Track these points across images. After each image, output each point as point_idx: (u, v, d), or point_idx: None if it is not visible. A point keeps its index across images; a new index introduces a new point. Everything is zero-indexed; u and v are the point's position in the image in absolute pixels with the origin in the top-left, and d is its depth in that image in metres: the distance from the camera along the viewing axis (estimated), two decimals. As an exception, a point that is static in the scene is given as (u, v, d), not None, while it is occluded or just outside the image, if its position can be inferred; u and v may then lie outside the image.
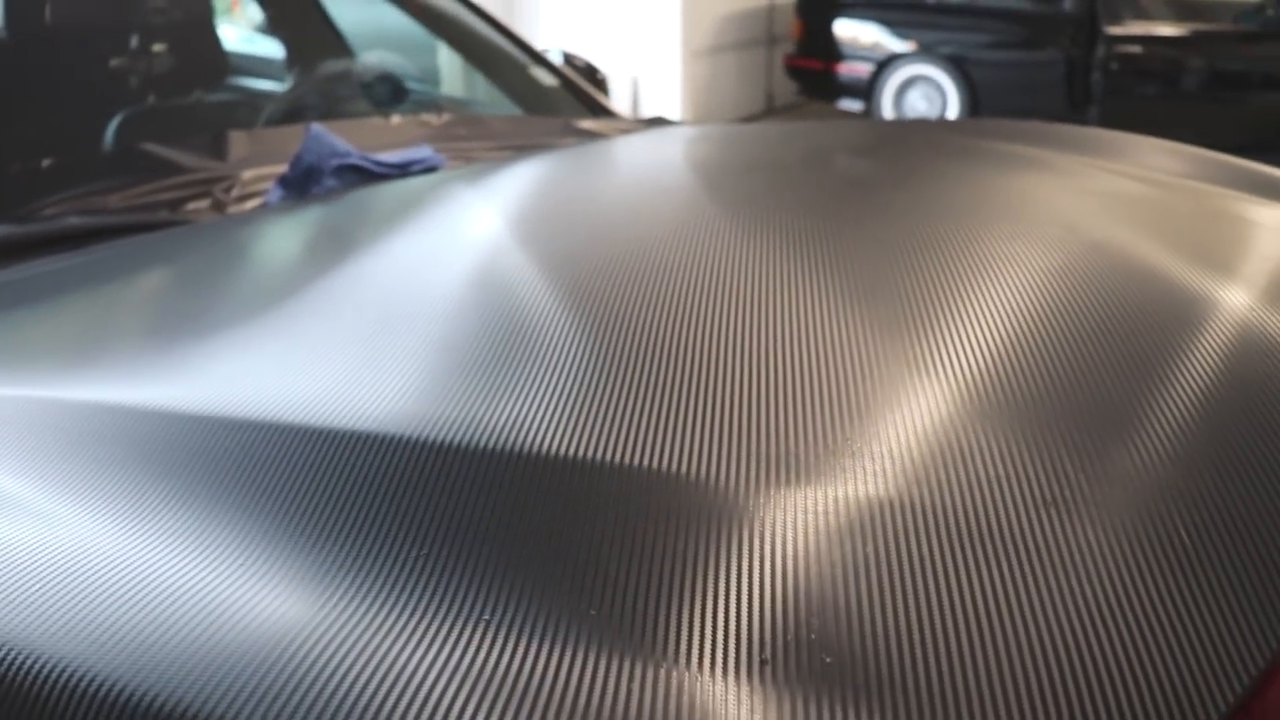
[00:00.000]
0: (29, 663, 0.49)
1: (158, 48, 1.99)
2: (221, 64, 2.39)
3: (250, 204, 1.43)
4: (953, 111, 7.03)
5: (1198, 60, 6.34)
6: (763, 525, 0.56)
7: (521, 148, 1.71)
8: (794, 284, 0.90)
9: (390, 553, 0.54)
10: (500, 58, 2.10)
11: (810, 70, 7.61)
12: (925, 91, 7.13)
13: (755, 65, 8.47)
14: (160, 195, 1.39)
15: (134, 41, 1.97)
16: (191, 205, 1.39)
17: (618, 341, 0.78)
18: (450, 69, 2.58)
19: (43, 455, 0.70)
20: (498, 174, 1.49)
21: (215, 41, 2.38)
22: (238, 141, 1.55)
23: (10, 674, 0.49)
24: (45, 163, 1.49)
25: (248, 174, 1.47)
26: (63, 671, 0.48)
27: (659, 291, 0.87)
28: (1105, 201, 1.23)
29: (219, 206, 1.41)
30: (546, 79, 2.07)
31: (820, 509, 0.57)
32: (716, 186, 1.35)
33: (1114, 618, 0.51)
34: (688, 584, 0.51)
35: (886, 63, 7.21)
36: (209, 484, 0.63)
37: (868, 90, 7.30)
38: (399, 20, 2.27)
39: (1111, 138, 1.62)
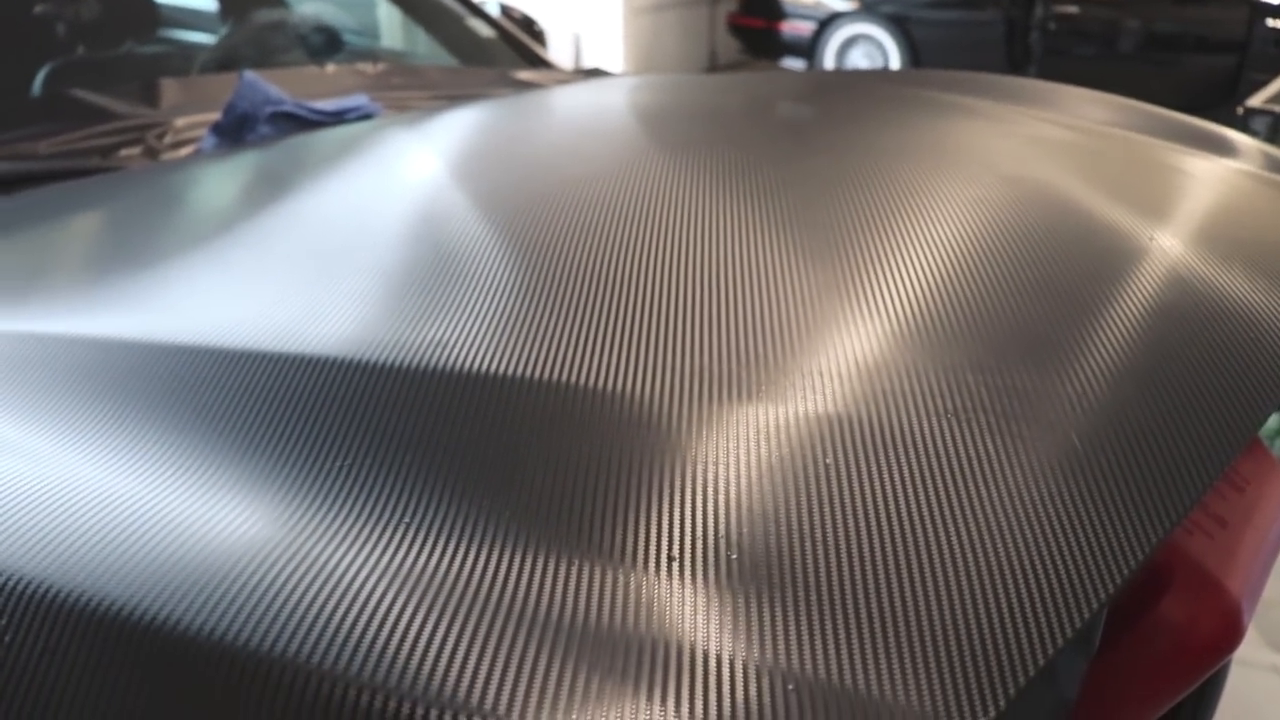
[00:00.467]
0: None
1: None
2: (152, 14, 2.35)
3: (183, 151, 1.42)
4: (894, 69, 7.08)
5: (1133, 22, 6.44)
6: (681, 434, 0.58)
7: (458, 97, 1.71)
8: (725, 215, 0.92)
9: (322, 466, 0.56)
10: (436, 9, 2.09)
11: (753, 28, 7.61)
12: (867, 50, 7.17)
13: (698, 22, 8.45)
14: (92, 142, 1.38)
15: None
16: (124, 152, 1.39)
17: (548, 267, 0.80)
18: (388, 21, 2.56)
19: None
20: (433, 120, 1.49)
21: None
22: (170, 89, 1.53)
23: None
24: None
25: (180, 121, 1.46)
26: (28, 588, 0.50)
27: (590, 222, 0.89)
28: (1035, 145, 1.27)
29: (152, 153, 1.40)
30: (483, 30, 2.07)
31: (737, 420, 0.60)
32: (652, 130, 1.37)
33: (1011, 519, 0.54)
34: (603, 487, 0.54)
35: (829, 21, 7.24)
36: (147, 405, 0.64)
37: (810, 48, 7.32)
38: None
39: (1045, 88, 1.66)
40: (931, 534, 0.52)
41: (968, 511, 0.54)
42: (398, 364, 0.65)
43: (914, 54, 7.00)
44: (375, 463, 0.56)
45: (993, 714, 0.44)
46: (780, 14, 7.39)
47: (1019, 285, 0.80)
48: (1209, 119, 1.61)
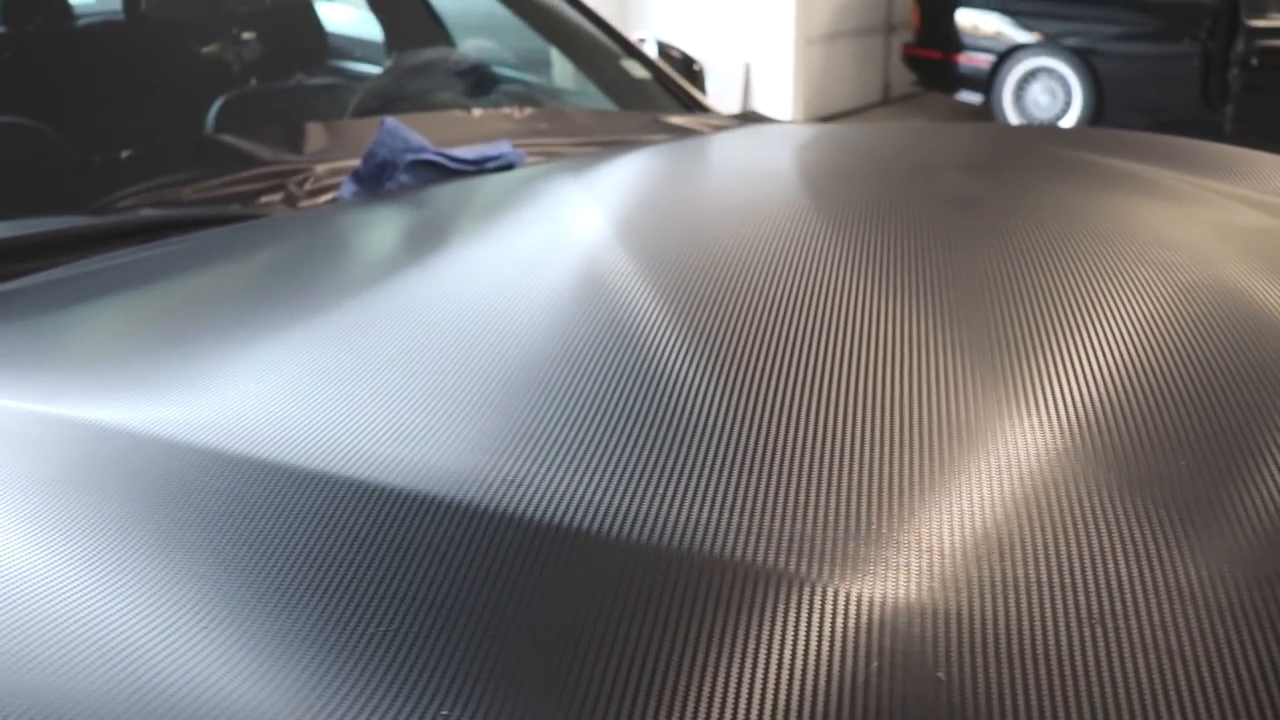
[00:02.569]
0: None
1: (249, 34, 1.99)
2: (321, 45, 2.40)
3: (323, 198, 1.41)
4: (1076, 106, 6.76)
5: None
6: (789, 620, 0.49)
7: (605, 144, 1.66)
8: (892, 328, 0.82)
9: (361, 629, 0.49)
10: (591, 47, 2.05)
11: (928, 60, 7.41)
12: (1048, 85, 6.87)
13: (872, 53, 8.28)
14: (234, 188, 1.38)
15: (226, 28, 1.98)
16: (265, 199, 1.38)
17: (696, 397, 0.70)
18: (543, 61, 2.55)
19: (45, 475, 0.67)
20: (576, 173, 1.44)
21: (316, 25, 2.39)
22: (314, 134, 1.53)
23: None
24: (124, 154, 1.48)
25: (321, 168, 1.45)
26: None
27: (739, 331, 0.80)
28: (1236, 238, 1.12)
29: (291, 200, 1.39)
30: (638, 71, 2.02)
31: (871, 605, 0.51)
32: (812, 197, 1.28)
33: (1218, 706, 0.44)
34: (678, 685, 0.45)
35: (1008, 54, 6.97)
36: (206, 523, 0.59)
37: (988, 82, 7.07)
38: (493, 8, 2.24)
39: (1248, 158, 1.48)
40: None
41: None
42: (487, 508, 0.57)
43: (1098, 90, 6.67)
44: (426, 633, 0.49)
45: None
46: (958, 46, 7.16)
47: (1224, 425, 0.68)
48: None
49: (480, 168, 1.47)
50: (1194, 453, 0.64)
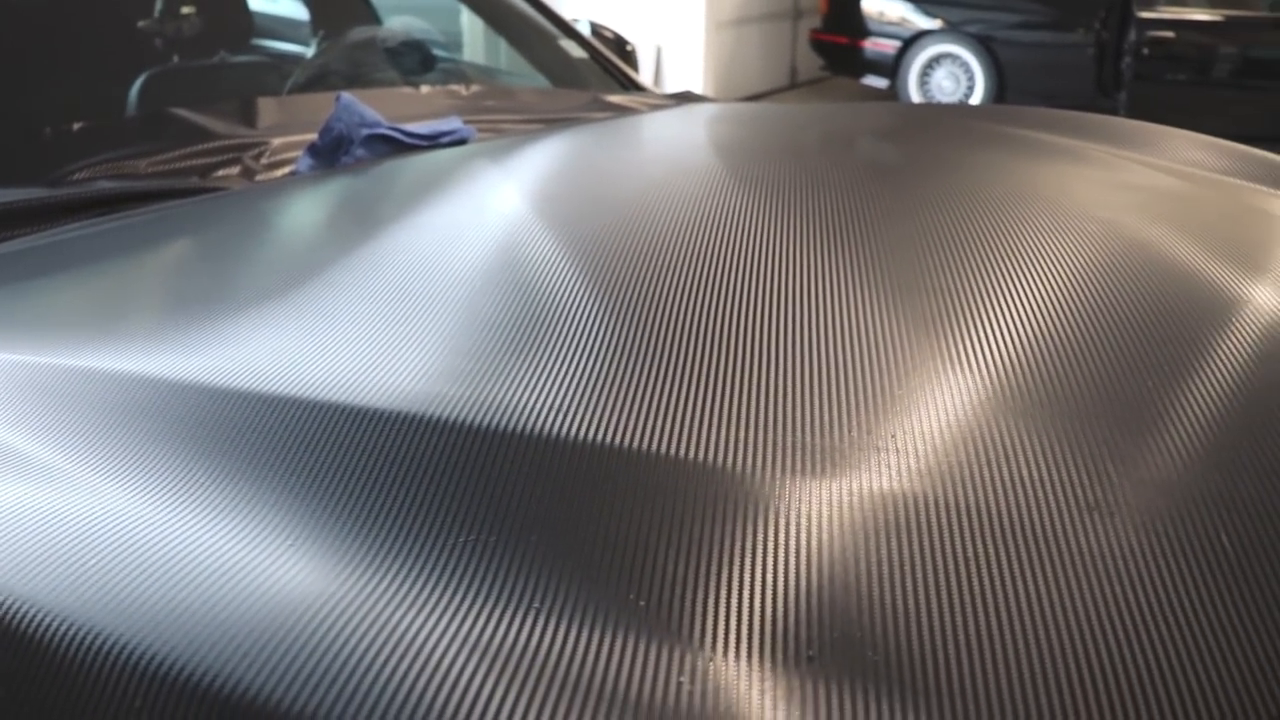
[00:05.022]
0: (54, 625, 0.50)
1: (185, 8, 1.98)
2: (247, 25, 2.38)
3: (280, 172, 1.43)
4: (979, 91, 6.97)
5: (1231, 47, 6.26)
6: (801, 519, 0.56)
7: (550, 121, 1.70)
8: (825, 274, 0.90)
9: (391, 524, 0.55)
10: (528, 27, 2.09)
11: (835, 45, 7.55)
12: (951, 70, 7.07)
13: (779, 38, 8.41)
14: (191, 161, 1.39)
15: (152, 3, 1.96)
16: (221, 172, 1.39)
17: (647, 326, 0.78)
18: (474, 37, 2.57)
19: (70, 424, 0.71)
20: (527, 149, 1.48)
21: (242, 3, 2.37)
22: (267, 108, 1.54)
23: (34, 636, 0.49)
24: (76, 126, 1.48)
25: (277, 141, 1.46)
26: (92, 637, 0.49)
27: (680, 277, 0.87)
28: (1141, 196, 1.22)
29: (249, 174, 1.40)
30: (575, 51, 2.06)
31: (860, 503, 0.57)
32: (747, 170, 1.34)
33: (1154, 623, 0.51)
34: (724, 576, 0.51)
35: (913, 40, 7.16)
36: (239, 459, 0.63)
37: (893, 67, 7.24)
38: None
39: (1144, 129, 1.60)
40: (1078, 640, 0.49)
41: (1118, 617, 0.51)
42: (496, 427, 0.63)
43: (999, 75, 6.88)
44: (442, 523, 0.55)
45: None
46: (864, 31, 7.32)
47: (1142, 359, 0.76)
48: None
49: (434, 142, 1.50)
50: (1100, 383, 0.72)
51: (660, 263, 0.91)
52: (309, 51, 2.38)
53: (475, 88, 1.76)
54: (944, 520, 0.56)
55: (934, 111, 1.88)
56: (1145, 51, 6.25)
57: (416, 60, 2.15)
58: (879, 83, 7.39)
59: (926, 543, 0.54)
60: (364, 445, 0.63)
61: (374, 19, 2.57)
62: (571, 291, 0.84)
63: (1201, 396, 0.72)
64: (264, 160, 1.43)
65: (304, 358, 0.78)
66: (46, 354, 0.83)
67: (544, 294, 0.85)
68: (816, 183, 1.21)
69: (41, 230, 1.21)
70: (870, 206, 1.11)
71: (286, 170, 1.44)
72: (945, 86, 7.10)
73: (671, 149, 1.62)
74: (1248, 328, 0.83)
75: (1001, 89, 6.90)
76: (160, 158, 1.39)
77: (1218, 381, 0.74)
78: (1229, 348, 0.79)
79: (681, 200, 1.16)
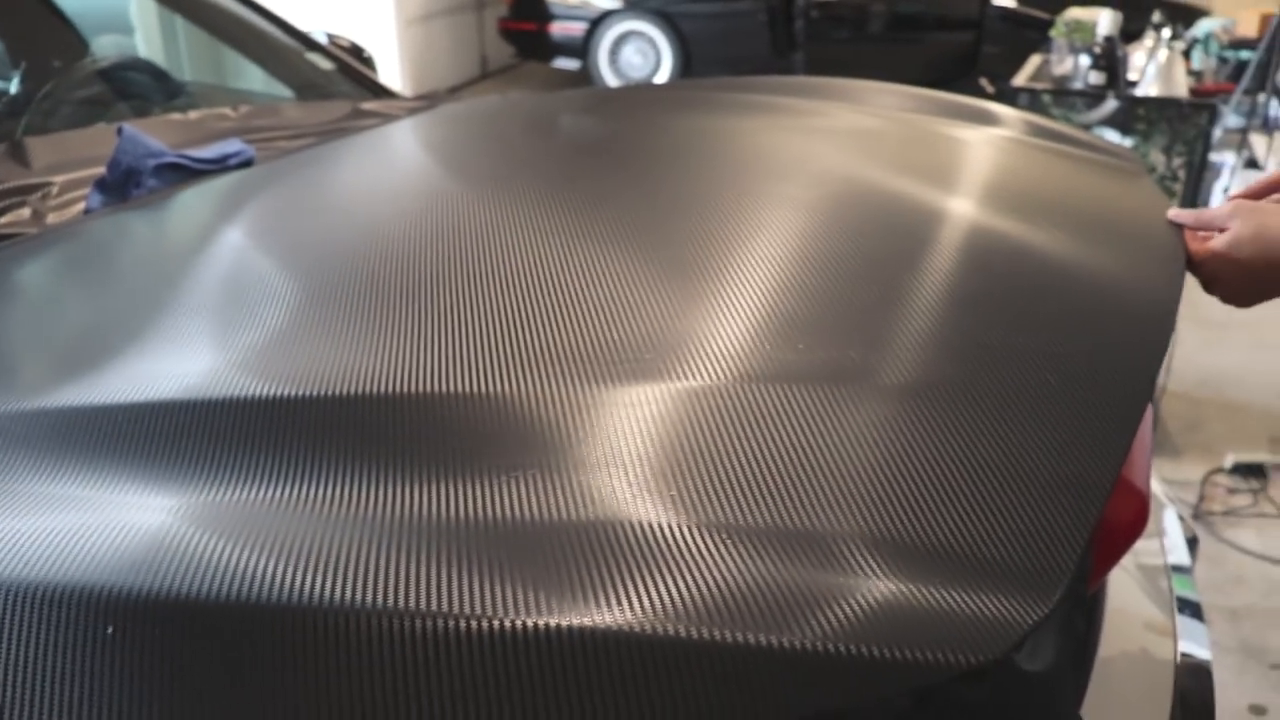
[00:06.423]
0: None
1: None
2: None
3: (70, 211, 1.41)
4: (666, 64, 7.32)
5: (881, 5, 6.91)
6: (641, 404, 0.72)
7: (320, 133, 1.74)
8: (549, 231, 1.04)
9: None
10: (278, 47, 2.10)
11: (525, 32, 7.71)
12: (639, 46, 7.39)
13: (467, 30, 8.48)
14: (-31, 210, 1.36)
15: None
16: (9, 216, 1.36)
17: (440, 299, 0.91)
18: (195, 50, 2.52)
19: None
20: (304, 170, 1.50)
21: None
22: (39, 147, 1.51)
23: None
24: None
25: (60, 179, 1.44)
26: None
27: (470, 256, 1.00)
28: (839, 134, 1.46)
29: (38, 216, 1.38)
30: (322, 63, 2.09)
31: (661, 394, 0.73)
32: (479, 164, 1.46)
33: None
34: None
35: (599, 20, 7.41)
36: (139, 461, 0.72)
37: (583, 48, 7.48)
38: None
39: (834, 84, 1.83)
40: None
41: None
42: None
43: (684, 46, 7.26)
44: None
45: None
46: (550, 16, 7.52)
47: (865, 256, 0.96)
48: (955, 91, 1.85)
49: (223, 165, 1.52)
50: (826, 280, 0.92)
51: (428, 247, 1.03)
52: (9, 85, 2.27)
53: (245, 109, 1.77)
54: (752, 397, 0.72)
55: (648, 90, 2.05)
56: (814, 14, 6.79)
57: (154, 84, 2.11)
58: (570, 64, 7.61)
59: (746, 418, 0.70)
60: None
61: (79, 42, 2.47)
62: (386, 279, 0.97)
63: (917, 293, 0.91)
64: (51, 201, 1.41)
65: (134, 372, 0.85)
66: None
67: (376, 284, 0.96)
68: (538, 163, 1.37)
69: None
70: (589, 177, 1.28)
71: (77, 209, 1.42)
72: (635, 62, 7.41)
73: (450, 150, 1.70)
74: (945, 231, 1.05)
75: (688, 59, 7.28)
76: (-62, 209, 1.35)
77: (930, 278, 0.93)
78: (937, 251, 1.00)
79: (427, 199, 1.26)
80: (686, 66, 7.30)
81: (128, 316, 0.98)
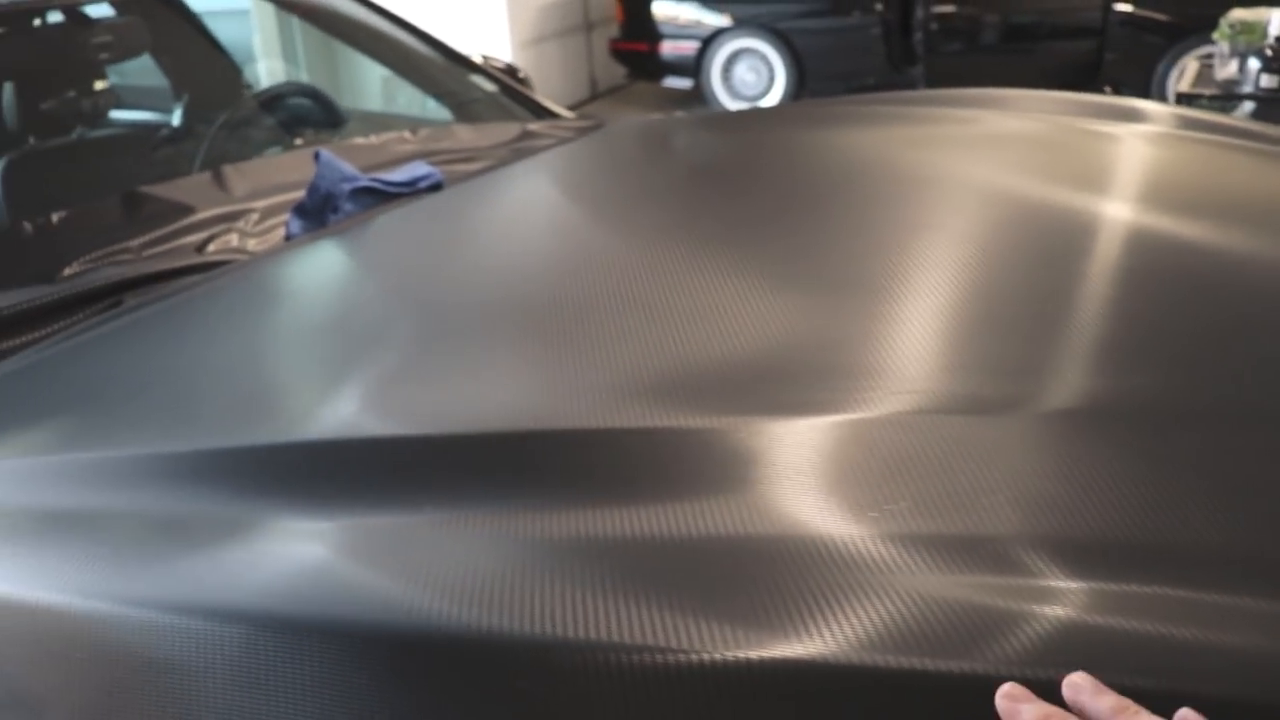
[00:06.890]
0: None
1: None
2: (100, 99, 2.30)
3: (270, 236, 1.42)
4: (780, 81, 7.26)
5: (994, 16, 6.77)
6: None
7: (495, 158, 1.74)
8: (729, 269, 1.09)
9: None
10: (439, 68, 2.11)
11: (636, 52, 7.72)
12: (752, 64, 7.34)
13: (577, 51, 8.53)
14: (184, 239, 1.37)
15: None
16: (216, 244, 1.38)
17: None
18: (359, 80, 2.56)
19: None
20: (516, 188, 1.52)
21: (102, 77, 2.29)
22: (234, 175, 1.53)
23: None
24: (54, 218, 1.42)
25: (260, 205, 1.46)
26: None
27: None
28: (1001, 143, 1.48)
29: (243, 239, 1.40)
30: (486, 85, 2.10)
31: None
32: (667, 191, 1.47)
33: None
34: None
35: (711, 39, 7.39)
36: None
37: (695, 67, 7.46)
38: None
39: (989, 95, 1.80)
40: None
41: None
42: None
43: (798, 63, 7.19)
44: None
45: None
46: (660, 36, 7.51)
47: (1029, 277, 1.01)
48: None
49: (414, 188, 1.52)
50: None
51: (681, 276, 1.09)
52: (173, 118, 2.32)
53: (423, 132, 1.78)
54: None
55: (804, 108, 2.05)
56: (934, 27, 6.67)
57: (325, 113, 2.14)
58: (682, 84, 7.59)
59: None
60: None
61: (237, 76, 2.53)
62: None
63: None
64: (254, 227, 1.43)
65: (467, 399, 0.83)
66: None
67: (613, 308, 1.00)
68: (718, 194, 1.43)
69: (50, 329, 1.18)
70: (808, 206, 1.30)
71: (277, 235, 1.43)
72: (748, 80, 7.37)
73: (616, 175, 1.68)
74: (1103, 225, 1.11)
75: (801, 76, 7.21)
76: (149, 237, 1.37)
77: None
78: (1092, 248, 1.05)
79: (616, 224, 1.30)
80: (800, 83, 7.23)
81: (357, 350, 1.01)
